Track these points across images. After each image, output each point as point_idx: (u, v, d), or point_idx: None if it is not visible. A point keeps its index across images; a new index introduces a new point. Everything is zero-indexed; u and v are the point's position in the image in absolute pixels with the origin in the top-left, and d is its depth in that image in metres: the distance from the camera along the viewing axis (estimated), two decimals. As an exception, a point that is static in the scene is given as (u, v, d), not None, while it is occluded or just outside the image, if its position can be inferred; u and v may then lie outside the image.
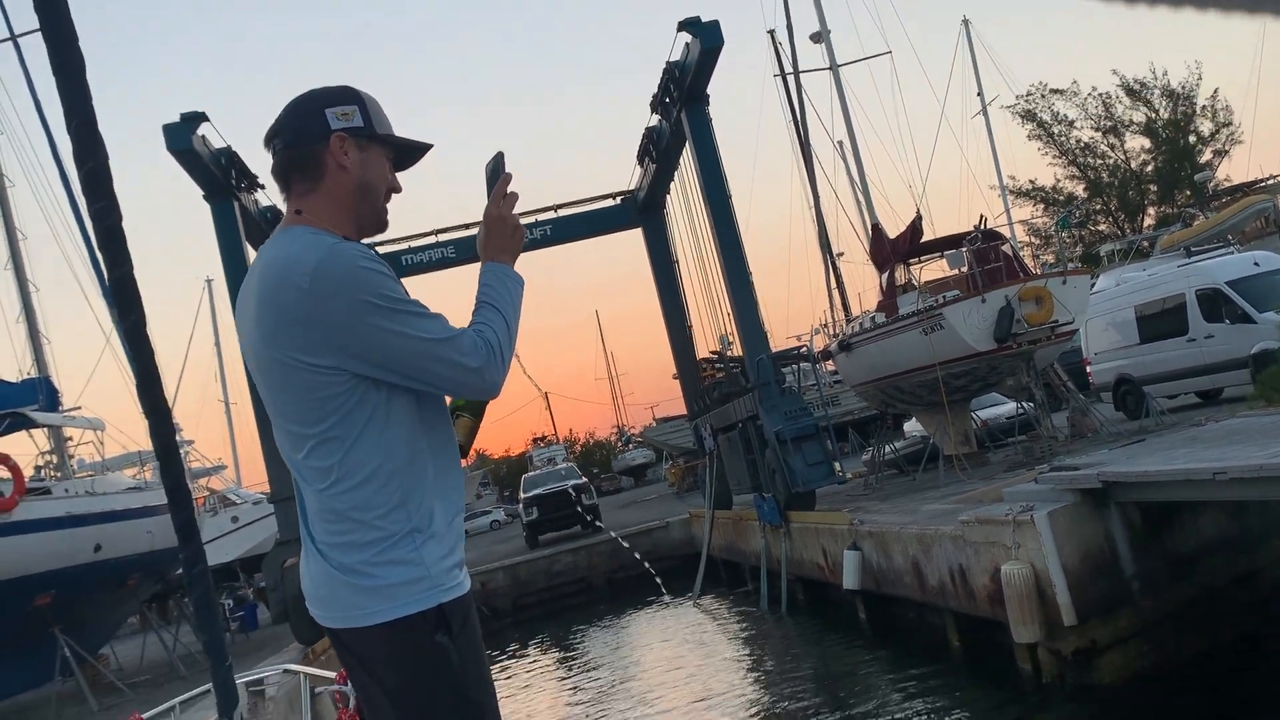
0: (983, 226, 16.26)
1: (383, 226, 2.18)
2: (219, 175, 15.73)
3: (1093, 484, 8.13)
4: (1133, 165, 44.36)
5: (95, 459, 18.36)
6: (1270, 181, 27.69)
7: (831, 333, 20.65)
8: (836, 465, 15.69)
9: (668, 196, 21.18)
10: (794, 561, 15.06)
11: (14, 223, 19.48)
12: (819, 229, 21.82)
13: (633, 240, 22.59)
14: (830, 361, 20.40)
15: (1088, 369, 18.75)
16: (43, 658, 13.59)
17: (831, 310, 21.79)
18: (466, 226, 20.76)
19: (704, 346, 22.10)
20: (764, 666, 12.65)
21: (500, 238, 2.18)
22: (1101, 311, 17.61)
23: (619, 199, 22.10)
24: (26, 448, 17.27)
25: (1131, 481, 7.90)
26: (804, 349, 18.80)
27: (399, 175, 2.19)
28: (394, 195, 2.18)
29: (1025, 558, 8.36)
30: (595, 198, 22.09)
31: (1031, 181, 45.54)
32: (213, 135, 15.70)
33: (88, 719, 12.25)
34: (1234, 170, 46.90)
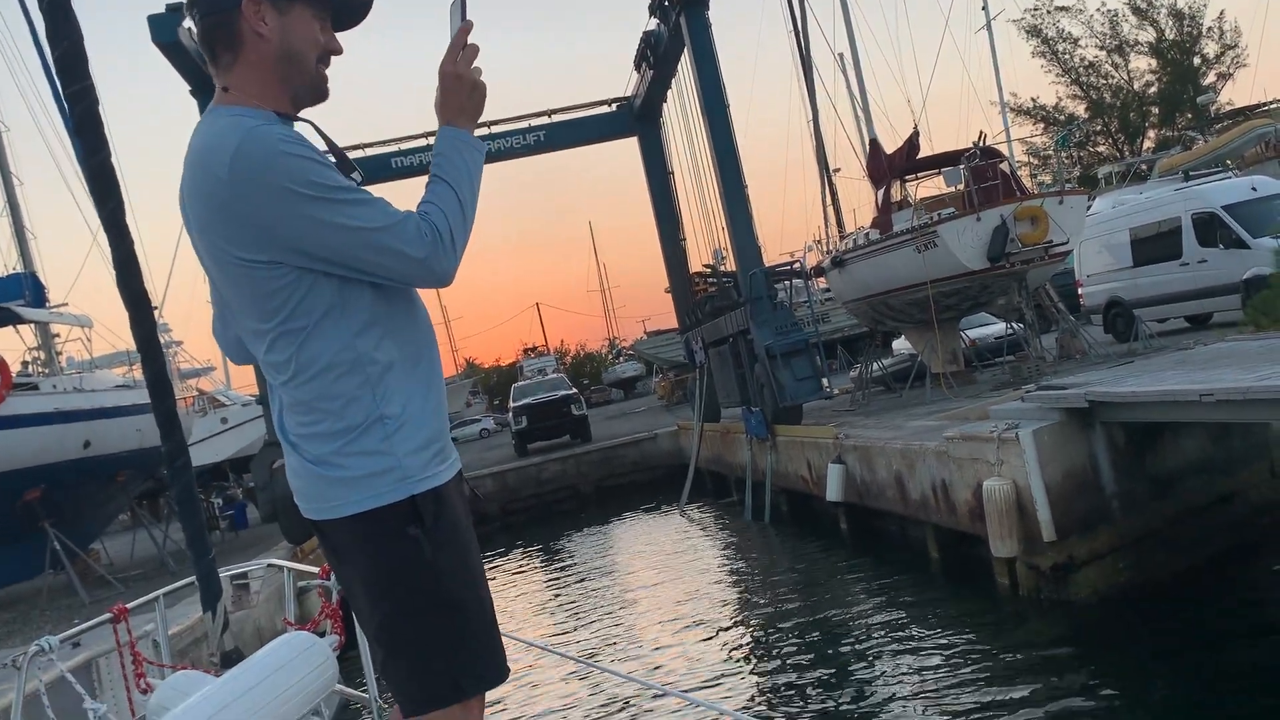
0: (981, 144, 16.07)
1: (321, 95, 1.98)
2: (200, 67, 15.37)
3: (1079, 403, 8.17)
4: (1135, 86, 43.78)
5: (83, 357, 18.28)
6: (1273, 106, 27.37)
7: (825, 249, 20.54)
8: (824, 381, 15.76)
9: (664, 105, 20.83)
10: (779, 474, 15.23)
11: (-4, 114, 19.09)
12: (816, 143, 21.51)
13: (628, 149, 22.31)
14: (822, 278, 20.33)
15: (1079, 291, 18.74)
16: (33, 551, 13.72)
17: (826, 226, 21.64)
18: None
19: (697, 260, 22.02)
20: (746, 573, 12.87)
21: (456, 97, 1.95)
22: (1096, 234, 17.53)
23: (614, 106, 21.74)
24: (14, 343, 17.17)
25: (1118, 402, 7.93)
26: (797, 264, 18.70)
27: (344, 36, 2.01)
28: (332, 58, 1.98)
29: (1008, 474, 8.45)
30: (590, 103, 21.75)
31: (1033, 99, 45.01)
32: (199, 28, 15.32)
33: (79, 610, 12.40)
34: (1237, 94, 46.37)
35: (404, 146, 20.41)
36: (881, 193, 17.63)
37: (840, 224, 22.19)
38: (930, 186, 17.96)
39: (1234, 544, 8.49)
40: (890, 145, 18.80)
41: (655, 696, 8.07)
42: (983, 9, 38.68)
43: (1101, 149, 44.52)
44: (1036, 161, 43.79)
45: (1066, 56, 44.13)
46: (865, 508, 12.13)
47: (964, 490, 9.32)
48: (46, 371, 17.40)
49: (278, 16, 1.88)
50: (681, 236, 22.06)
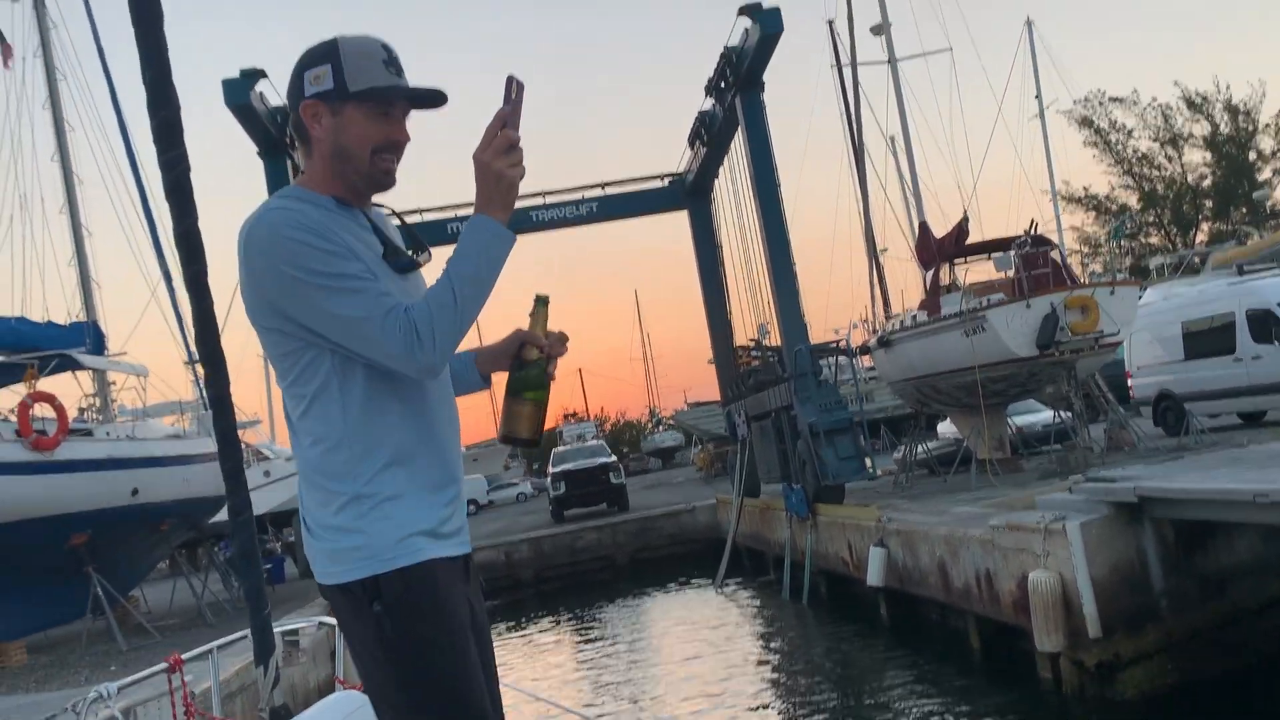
0: (1033, 231, 16.08)
1: (379, 186, 2.07)
2: (274, 132, 15.90)
3: (1128, 498, 8.06)
4: (1189, 179, 43.61)
5: (137, 405, 18.65)
6: (1331, 204, 27.06)
7: (871, 328, 20.54)
8: (868, 461, 15.64)
9: (716, 181, 21.13)
10: (819, 554, 15.06)
11: (71, 167, 19.77)
12: (865, 224, 21.67)
13: (676, 223, 22.63)
14: (868, 357, 20.30)
15: (1129, 382, 18.53)
16: (76, 595, 13.88)
17: (873, 305, 21.66)
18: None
19: (742, 333, 22.09)
20: (782, 656, 12.68)
21: (484, 186, 1.95)
22: (1147, 325, 17.37)
23: (667, 181, 22.09)
24: (71, 389, 17.55)
25: (1168, 498, 7.82)
26: (842, 342, 18.71)
27: (429, 114, 2.07)
28: (403, 146, 2.05)
29: (1054, 566, 8.32)
30: (643, 178, 22.11)
31: (1085, 189, 44.86)
32: (270, 93, 15.86)
33: (116, 657, 12.51)
34: (1293, 190, 45.90)
35: (460, 214, 20.77)
36: (930, 275, 17.64)
37: (887, 304, 22.21)
38: (979, 271, 17.95)
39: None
40: (939, 228, 18.89)
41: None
42: (1035, 98, 38.98)
43: (1154, 240, 44.21)
44: (1088, 250, 43.58)
45: (1119, 147, 44.13)
46: (906, 593, 11.94)
47: (1008, 581, 9.18)
48: (101, 418, 17.76)
49: (331, 117, 2.00)
50: (728, 310, 22.20)
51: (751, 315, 20.24)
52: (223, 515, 17.63)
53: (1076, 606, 8.08)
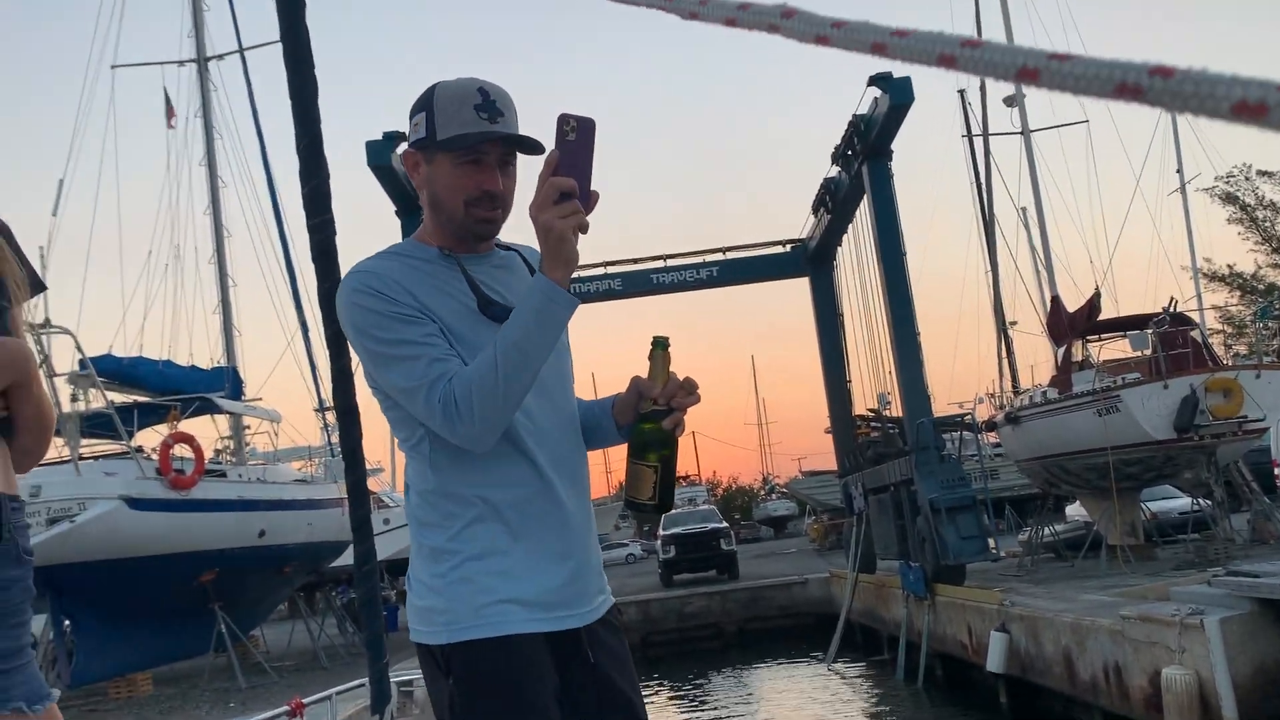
0: (1172, 309, 15.50)
1: (478, 236, 1.95)
2: (411, 193, 16.50)
3: (1274, 594, 7.59)
4: (1343, 258, 41.39)
5: (268, 449, 19.41)
6: None
7: (998, 403, 19.99)
8: (991, 541, 15.11)
9: (839, 248, 21.01)
10: (936, 636, 14.56)
11: (221, 221, 20.94)
12: (994, 296, 21.23)
13: (796, 289, 22.50)
14: (993, 433, 19.73)
15: (1276, 471, 17.51)
16: (201, 630, 14.40)
17: (1000, 380, 21.11)
18: (635, 261, 21.15)
19: (861, 403, 21.74)
20: (894, 740, 12.24)
21: (540, 242, 1.78)
22: (1297, 411, 16.44)
23: (788, 246, 22.05)
24: (209, 431, 18.40)
25: (1320, 598, 7.33)
26: (967, 417, 18.24)
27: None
28: (500, 197, 1.90)
29: (1190, 664, 7.86)
30: (764, 243, 22.12)
31: (1229, 267, 43.00)
32: (409, 155, 16.52)
33: (235, 694, 12.88)
34: None
35: (581, 275, 21.13)
36: (1062, 351, 17.14)
37: (1015, 379, 21.63)
38: (1113, 349, 17.38)
39: None
40: (1070, 302, 18.39)
41: None
42: (1176, 171, 37.73)
43: (1304, 322, 41.99)
44: (1231, 331, 41.62)
45: (1267, 224, 42.26)
46: (1028, 682, 11.43)
47: (1139, 675, 8.70)
48: (234, 460, 18.53)
49: (426, 166, 1.93)
50: (847, 378, 21.90)
51: (872, 385, 19.93)
52: (341, 560, 18.18)
53: (1215, 708, 7.61)
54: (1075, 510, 19.52)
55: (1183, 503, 17.63)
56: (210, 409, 16.87)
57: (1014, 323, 23.77)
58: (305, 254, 3.47)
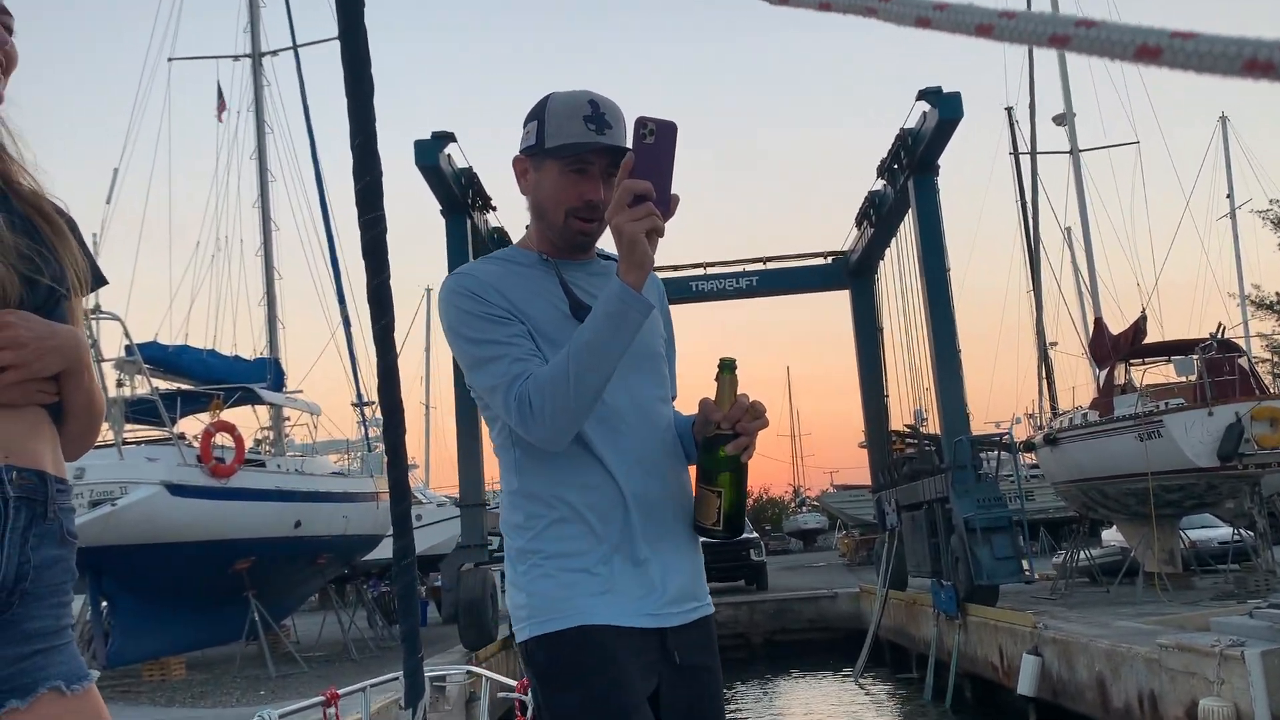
0: (1219, 335, 15.27)
1: (575, 247, 2.01)
2: (457, 193, 16.64)
3: (1317, 630, 7.45)
4: (1399, 288, 40.50)
5: (306, 441, 19.62)
6: None
7: (1037, 424, 19.78)
8: (1026, 563, 14.93)
9: (881, 262, 20.89)
10: (966, 656, 14.41)
11: (269, 214, 21.21)
12: (1036, 316, 21.01)
13: (834, 301, 22.38)
14: (1031, 454, 19.51)
15: (1321, 504, 17.20)
16: (234, 618, 14.56)
17: (1040, 401, 20.88)
18: (675, 268, 21.11)
19: (898, 419, 21.58)
20: (920, 759, 12.14)
21: (618, 248, 1.80)
22: (1345, 444, 16.12)
23: (829, 259, 21.96)
24: (250, 421, 18.61)
25: (1364, 635, 7.18)
26: (1005, 436, 18.05)
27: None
28: (600, 208, 1.92)
29: (1229, 696, 7.73)
30: (805, 255, 22.04)
31: (1278, 294, 42.28)
32: (456, 155, 16.65)
33: (266, 682, 13.01)
34: None
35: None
36: (1104, 374, 16.95)
37: (1054, 400, 21.38)
38: (1157, 373, 17.15)
39: None
40: (1115, 326, 18.16)
41: None
42: (1227, 196, 37.19)
43: (1355, 351, 41.14)
44: (1277, 359, 40.90)
45: (1319, 251, 41.49)
46: (1059, 707, 11.28)
47: (1175, 706, 8.56)
48: (273, 451, 18.73)
49: (533, 173, 1.99)
50: (885, 393, 21.75)
51: (909, 401, 19.79)
52: (374, 554, 18.32)
53: (1252, 743, 7.47)
54: (1111, 535, 19.26)
55: (1223, 532, 17.35)
56: (252, 399, 17.06)
57: (1054, 344, 23.53)
58: (350, 250, 3.52)
